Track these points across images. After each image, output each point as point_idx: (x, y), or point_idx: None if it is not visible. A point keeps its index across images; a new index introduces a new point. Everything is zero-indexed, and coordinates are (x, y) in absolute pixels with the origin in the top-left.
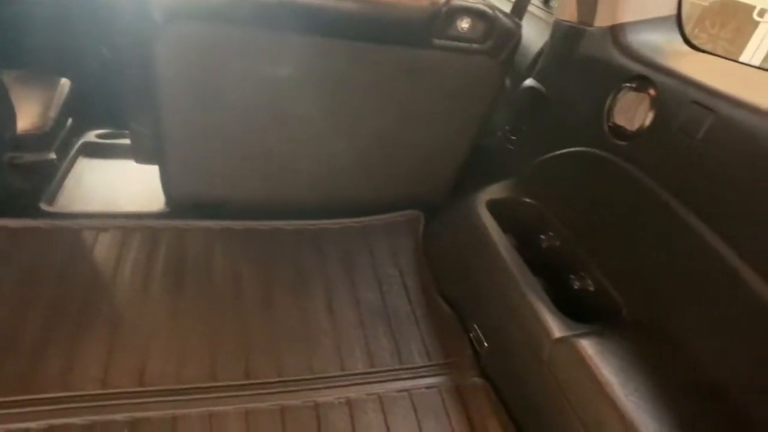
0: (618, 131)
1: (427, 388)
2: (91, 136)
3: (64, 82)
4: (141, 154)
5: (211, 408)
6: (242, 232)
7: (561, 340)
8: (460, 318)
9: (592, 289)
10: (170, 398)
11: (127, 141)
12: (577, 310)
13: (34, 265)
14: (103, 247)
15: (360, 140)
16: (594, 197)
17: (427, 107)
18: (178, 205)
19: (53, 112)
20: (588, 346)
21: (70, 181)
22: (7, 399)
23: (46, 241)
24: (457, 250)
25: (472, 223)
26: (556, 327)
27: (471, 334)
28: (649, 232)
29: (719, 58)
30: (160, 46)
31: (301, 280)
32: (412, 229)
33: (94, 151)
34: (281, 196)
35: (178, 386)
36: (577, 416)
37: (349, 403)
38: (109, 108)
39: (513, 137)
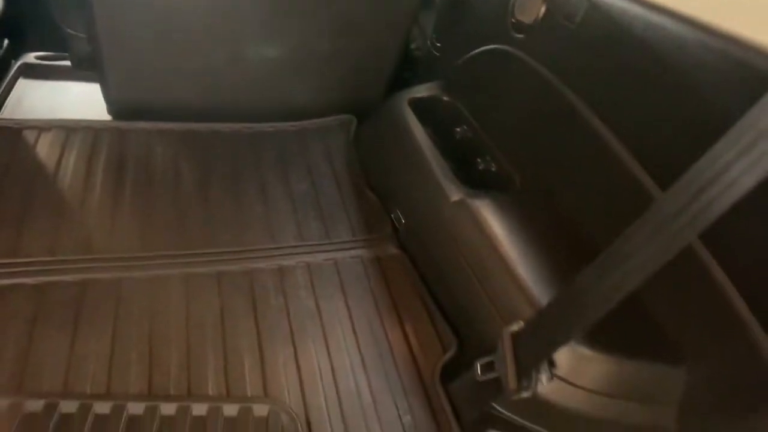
0: (518, 26)
1: (351, 258)
2: (31, 57)
3: None
4: (78, 60)
5: (155, 272)
6: (181, 133)
7: (458, 202)
8: (384, 204)
9: (493, 168)
10: (115, 264)
11: (68, 63)
12: (481, 188)
13: None
14: (45, 146)
15: (294, 46)
16: (499, 89)
17: (355, 14)
18: (118, 112)
19: None
20: (481, 206)
21: (10, 101)
22: None
23: None
24: (383, 144)
25: (395, 118)
26: (454, 192)
27: (392, 215)
28: (542, 117)
29: None
30: None
31: (236, 176)
32: (344, 130)
33: (33, 72)
34: (219, 100)
35: (122, 255)
36: (472, 270)
37: (280, 269)
38: (49, 30)
39: (438, 44)
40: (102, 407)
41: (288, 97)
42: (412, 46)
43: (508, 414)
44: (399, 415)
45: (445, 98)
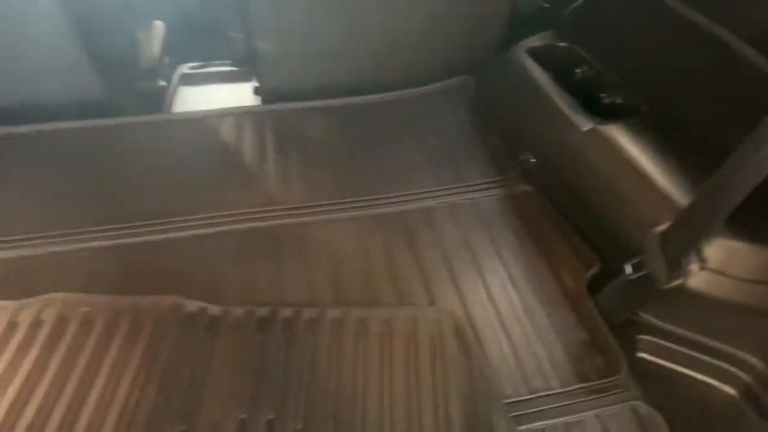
0: None
1: (486, 197)
2: (185, 68)
3: (160, 25)
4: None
5: (330, 216)
6: (326, 109)
7: (589, 131)
8: (511, 148)
9: (619, 101)
10: (299, 211)
11: (215, 69)
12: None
13: (166, 150)
14: (224, 129)
15: (416, 17)
16: (620, 25)
17: None
18: (271, 98)
19: (157, 50)
20: (613, 131)
21: (177, 103)
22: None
23: (173, 130)
24: (506, 94)
25: (516, 67)
26: (584, 122)
27: (521, 157)
28: (667, 43)
29: None
30: None
31: (377, 139)
32: (464, 89)
33: (189, 79)
34: (349, 76)
35: (300, 204)
36: (609, 189)
37: (427, 209)
38: (193, 45)
39: None
40: (309, 313)
41: (410, 66)
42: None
43: (656, 320)
44: (551, 323)
45: (561, 44)
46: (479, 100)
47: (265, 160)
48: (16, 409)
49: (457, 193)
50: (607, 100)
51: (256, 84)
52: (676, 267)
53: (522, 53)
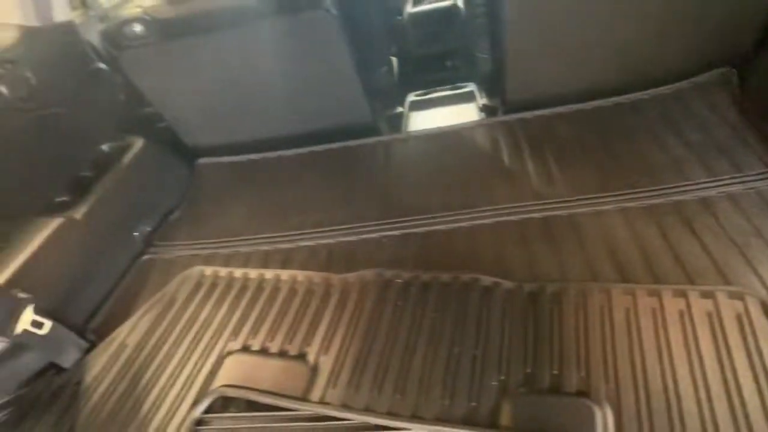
0: None
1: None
2: (412, 96)
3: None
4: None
5: (596, 208)
6: (572, 114)
7: None
8: None
9: None
10: (569, 203)
11: (436, 95)
12: None
13: (431, 158)
14: (476, 137)
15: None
16: None
17: None
18: (515, 108)
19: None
20: None
21: (410, 125)
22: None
23: (432, 142)
24: None
25: None
26: None
27: None
28: None
29: None
30: None
31: (632, 138)
32: (725, 83)
33: (416, 106)
34: (598, 78)
35: (566, 198)
36: None
37: (703, 200)
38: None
39: None
40: (485, 281)
41: (658, 61)
42: None
43: None
44: None
45: None
46: (750, 91)
47: (524, 161)
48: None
49: (735, 183)
50: None
51: (483, 101)
52: None
53: None
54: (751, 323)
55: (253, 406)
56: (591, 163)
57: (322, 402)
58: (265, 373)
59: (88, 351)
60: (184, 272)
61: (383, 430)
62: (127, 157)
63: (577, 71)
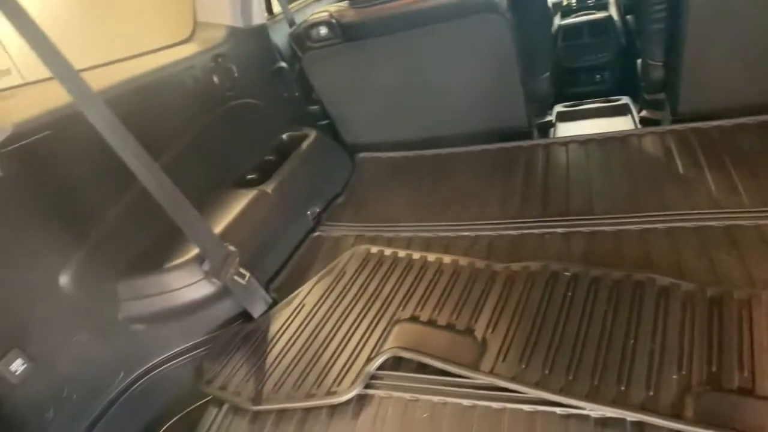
0: None
1: None
2: (560, 107)
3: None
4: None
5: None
6: (759, 125)
7: None
8: None
9: None
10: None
11: (584, 107)
12: None
13: (591, 162)
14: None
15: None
16: None
17: None
18: (685, 117)
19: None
20: None
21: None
22: None
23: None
24: None
25: None
26: None
27: None
28: None
29: None
30: None
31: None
32: None
33: (564, 116)
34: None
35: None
36: None
37: None
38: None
39: None
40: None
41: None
42: None
43: None
44: None
45: None
46: None
47: (701, 169)
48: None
49: None
50: None
51: (643, 114)
52: None
53: None
54: None
55: (423, 368)
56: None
57: (492, 373)
58: (434, 342)
59: (271, 307)
60: (353, 248)
61: (555, 406)
62: (305, 145)
63: (758, 82)
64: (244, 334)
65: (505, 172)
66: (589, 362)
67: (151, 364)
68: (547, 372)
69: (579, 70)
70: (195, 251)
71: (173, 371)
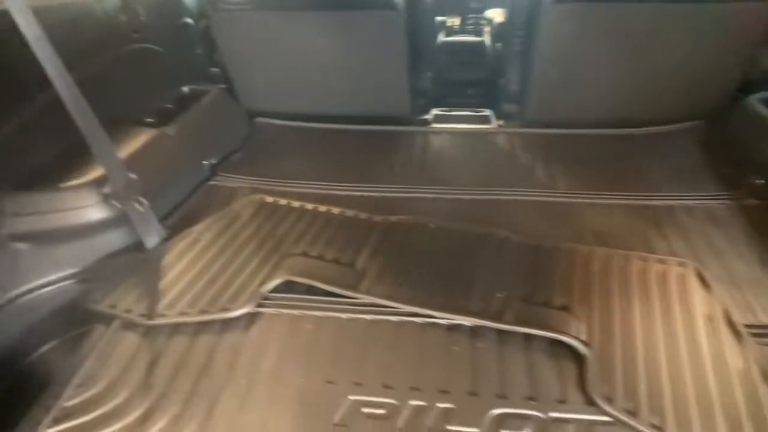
0: None
1: (718, 205)
2: (436, 110)
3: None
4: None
5: (590, 201)
6: (583, 136)
7: None
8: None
9: None
10: (568, 195)
11: (457, 113)
12: None
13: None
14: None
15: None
16: None
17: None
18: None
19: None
20: None
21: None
22: None
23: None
24: (742, 142)
25: (752, 117)
26: None
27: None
28: None
29: None
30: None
31: (623, 159)
32: (694, 132)
33: (439, 119)
34: (605, 110)
35: (571, 191)
36: None
37: (668, 206)
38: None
39: None
40: (499, 234)
41: (655, 108)
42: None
43: None
44: None
45: None
46: (717, 139)
47: (536, 162)
48: None
49: (694, 198)
50: None
51: (499, 123)
52: None
53: (756, 103)
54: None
55: (311, 291)
56: (589, 170)
57: (369, 293)
58: (322, 271)
59: (164, 241)
60: (248, 197)
61: (415, 316)
62: (205, 99)
63: (587, 104)
64: (137, 261)
65: (388, 150)
66: (442, 285)
67: (33, 284)
68: (410, 293)
69: (454, 83)
70: (95, 174)
71: (59, 294)
